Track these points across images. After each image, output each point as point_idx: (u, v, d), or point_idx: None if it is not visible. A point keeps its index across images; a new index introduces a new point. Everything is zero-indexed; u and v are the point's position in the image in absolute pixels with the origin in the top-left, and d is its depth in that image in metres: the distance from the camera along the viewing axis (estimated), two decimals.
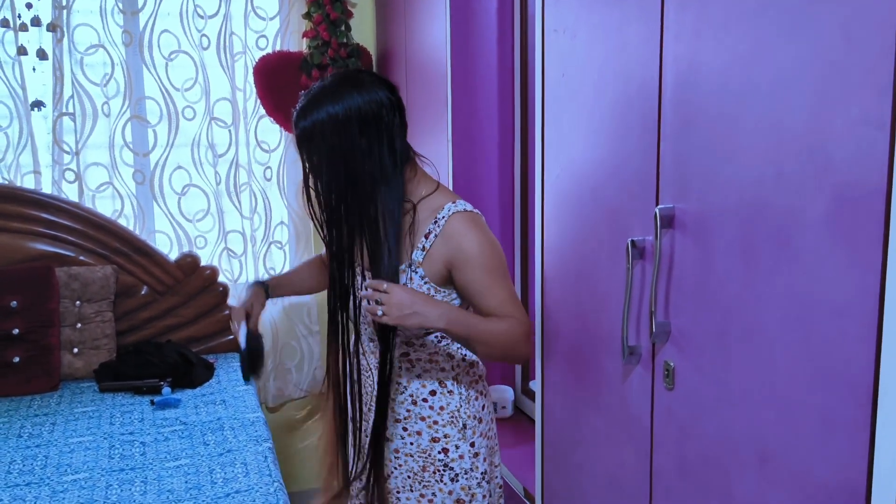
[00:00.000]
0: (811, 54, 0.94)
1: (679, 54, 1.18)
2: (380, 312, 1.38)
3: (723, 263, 1.11)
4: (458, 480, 1.59)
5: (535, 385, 1.79)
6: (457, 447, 1.58)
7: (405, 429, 1.60)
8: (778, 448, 1.04)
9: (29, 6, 2.62)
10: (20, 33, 2.63)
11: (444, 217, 1.49)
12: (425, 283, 1.51)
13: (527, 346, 1.50)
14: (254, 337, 1.78)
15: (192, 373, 2.59)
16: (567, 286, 1.60)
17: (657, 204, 1.26)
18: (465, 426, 1.59)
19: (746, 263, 1.07)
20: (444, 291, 1.52)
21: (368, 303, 1.41)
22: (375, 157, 1.43)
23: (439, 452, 1.59)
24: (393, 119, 1.45)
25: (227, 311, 1.83)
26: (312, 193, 1.50)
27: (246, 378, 1.86)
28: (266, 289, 1.84)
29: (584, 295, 1.53)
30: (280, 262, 3.08)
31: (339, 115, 1.40)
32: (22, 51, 2.63)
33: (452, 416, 1.59)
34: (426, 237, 1.50)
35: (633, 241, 1.32)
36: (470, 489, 1.60)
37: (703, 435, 1.19)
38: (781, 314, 1.01)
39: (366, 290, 1.41)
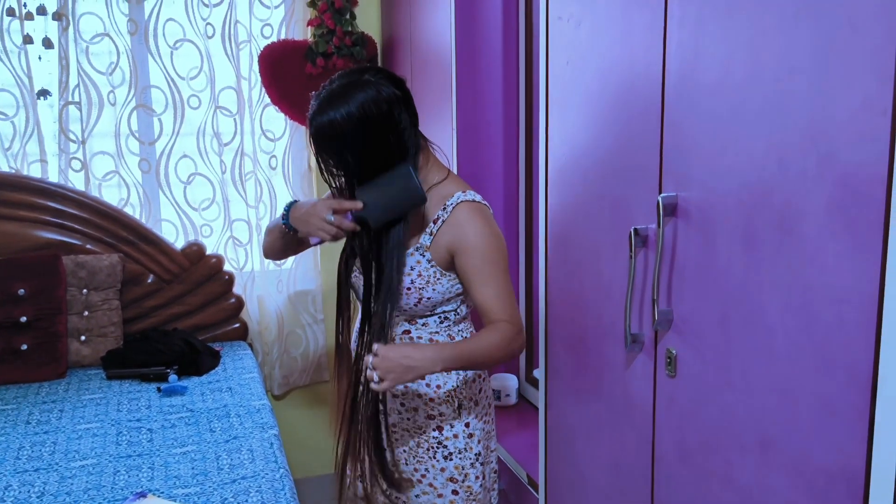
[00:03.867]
0: (814, 41, 0.94)
1: (682, 41, 1.18)
2: (376, 378, 1.39)
3: (725, 251, 1.12)
4: (451, 459, 1.62)
5: (539, 373, 1.80)
6: (451, 426, 1.61)
7: (402, 404, 1.63)
8: (778, 434, 1.04)
9: None
10: (26, 22, 2.63)
11: (452, 204, 1.53)
12: (432, 266, 1.54)
13: (519, 345, 1.51)
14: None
15: (199, 360, 2.61)
16: (570, 274, 1.61)
17: (660, 192, 1.27)
18: (460, 406, 1.61)
19: (748, 251, 1.07)
20: (449, 275, 1.56)
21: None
22: (388, 152, 1.48)
23: (434, 430, 1.61)
24: (402, 114, 1.48)
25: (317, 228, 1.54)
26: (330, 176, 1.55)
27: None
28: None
29: (587, 283, 1.54)
30: None
31: (352, 116, 1.43)
32: (27, 39, 2.63)
33: (448, 396, 1.61)
34: (434, 222, 1.55)
35: (635, 230, 1.32)
36: (463, 469, 1.62)
37: (704, 421, 1.19)
38: (782, 301, 1.02)
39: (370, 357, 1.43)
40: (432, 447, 1.62)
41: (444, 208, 1.54)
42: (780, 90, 0.99)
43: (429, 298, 1.55)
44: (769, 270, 1.04)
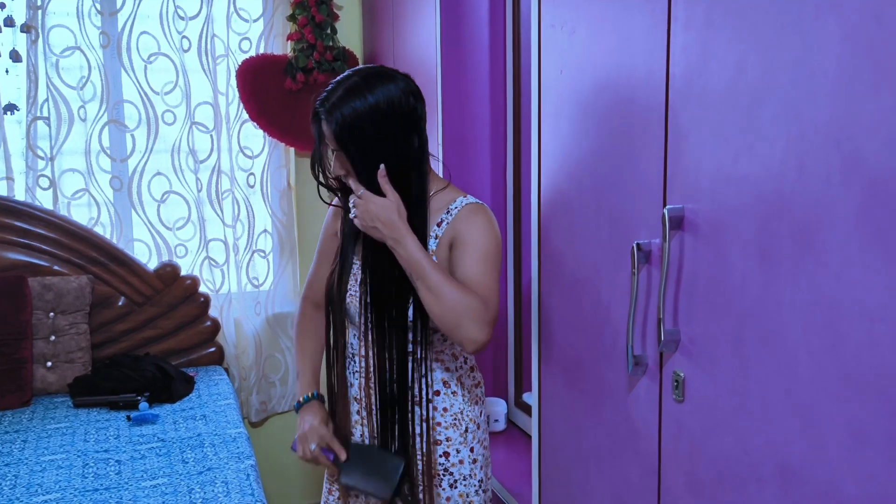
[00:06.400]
0: (837, 37, 0.87)
1: (688, 44, 1.12)
2: (352, 214, 1.44)
3: (739, 266, 1.04)
4: (456, 487, 1.55)
5: (531, 397, 1.71)
6: (457, 451, 1.55)
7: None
8: (801, 463, 0.96)
9: (2, 6, 2.52)
10: None
11: (456, 207, 1.52)
12: None
13: (479, 332, 1.40)
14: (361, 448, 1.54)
15: (171, 387, 2.49)
16: (566, 293, 1.53)
17: (665, 204, 1.19)
18: (466, 430, 1.56)
19: (765, 265, 0.99)
20: None
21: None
22: (412, 146, 1.46)
23: (440, 456, 1.54)
24: (423, 109, 1.48)
25: (300, 449, 1.56)
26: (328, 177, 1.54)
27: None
28: (318, 398, 1.63)
29: (584, 302, 1.46)
30: (263, 272, 2.99)
31: (380, 106, 1.40)
32: None
33: (455, 419, 1.55)
34: (438, 226, 1.52)
35: (638, 245, 1.24)
36: (468, 496, 1.56)
37: (716, 450, 1.11)
38: (805, 319, 0.94)
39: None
40: (438, 474, 1.54)
41: (448, 212, 1.51)
42: (800, 92, 0.93)
43: None
44: (789, 285, 0.96)
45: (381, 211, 1.40)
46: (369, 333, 1.52)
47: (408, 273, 1.43)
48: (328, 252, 1.65)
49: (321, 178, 1.52)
